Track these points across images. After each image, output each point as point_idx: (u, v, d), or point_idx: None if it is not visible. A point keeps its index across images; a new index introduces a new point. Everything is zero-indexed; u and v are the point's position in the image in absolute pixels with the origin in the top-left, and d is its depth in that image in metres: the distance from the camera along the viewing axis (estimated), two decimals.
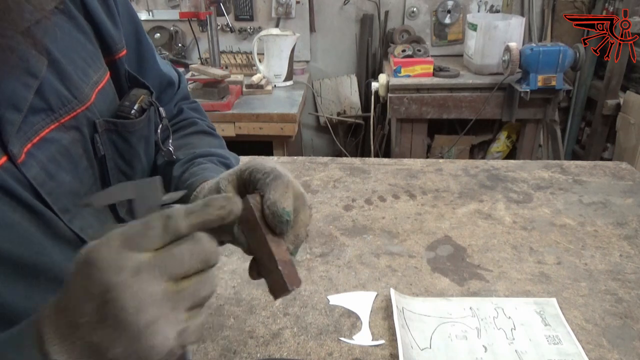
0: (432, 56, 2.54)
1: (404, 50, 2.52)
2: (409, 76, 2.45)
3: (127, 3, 0.67)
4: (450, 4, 2.84)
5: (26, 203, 0.47)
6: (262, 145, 2.32)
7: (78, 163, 0.54)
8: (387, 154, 2.94)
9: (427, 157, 2.69)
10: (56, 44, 0.52)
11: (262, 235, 0.47)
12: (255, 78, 2.44)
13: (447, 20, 2.88)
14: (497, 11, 2.85)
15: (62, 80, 0.52)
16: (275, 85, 2.54)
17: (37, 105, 0.49)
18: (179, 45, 2.99)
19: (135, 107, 0.60)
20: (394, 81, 2.43)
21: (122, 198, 0.43)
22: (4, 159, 0.46)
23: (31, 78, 0.48)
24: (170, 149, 0.66)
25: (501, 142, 2.77)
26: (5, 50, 0.44)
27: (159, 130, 0.65)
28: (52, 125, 0.50)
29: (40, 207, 0.49)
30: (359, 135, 3.15)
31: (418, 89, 2.43)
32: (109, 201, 0.43)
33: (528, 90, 2.24)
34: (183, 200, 0.55)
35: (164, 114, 0.65)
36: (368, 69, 3.03)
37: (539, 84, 2.23)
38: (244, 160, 0.65)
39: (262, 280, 0.54)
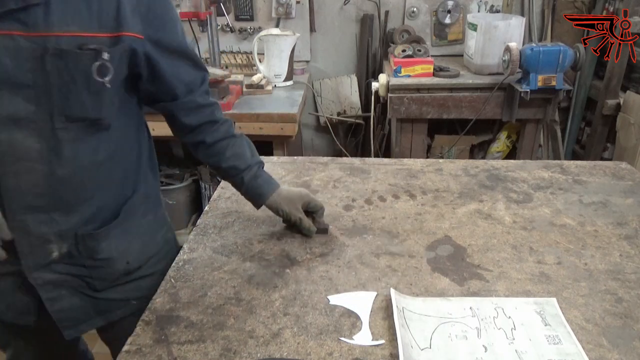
0: (432, 56, 2.54)
1: (404, 50, 2.52)
2: (409, 76, 2.45)
3: (171, 17, 0.90)
4: (450, 4, 2.84)
5: None
6: (262, 145, 2.31)
7: (22, 61, 0.73)
8: (387, 154, 2.94)
9: (427, 157, 2.69)
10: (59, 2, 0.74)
11: None
12: (255, 78, 2.44)
13: (447, 20, 2.87)
14: (497, 11, 2.85)
15: (45, 17, 0.73)
16: (275, 85, 2.54)
17: (20, 17, 0.72)
18: None
19: (84, 48, 0.77)
20: (394, 81, 2.42)
21: None
22: None
23: (21, 1, 0.71)
24: (106, 80, 0.81)
25: (501, 142, 2.77)
26: None
27: (96, 63, 0.79)
28: (20, 32, 0.72)
29: None
30: (359, 135, 3.15)
31: (418, 89, 2.42)
32: None
33: (528, 90, 2.23)
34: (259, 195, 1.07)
35: (106, 57, 0.80)
36: (368, 69, 3.03)
37: (539, 84, 2.22)
38: None
39: (262, 280, 0.54)
